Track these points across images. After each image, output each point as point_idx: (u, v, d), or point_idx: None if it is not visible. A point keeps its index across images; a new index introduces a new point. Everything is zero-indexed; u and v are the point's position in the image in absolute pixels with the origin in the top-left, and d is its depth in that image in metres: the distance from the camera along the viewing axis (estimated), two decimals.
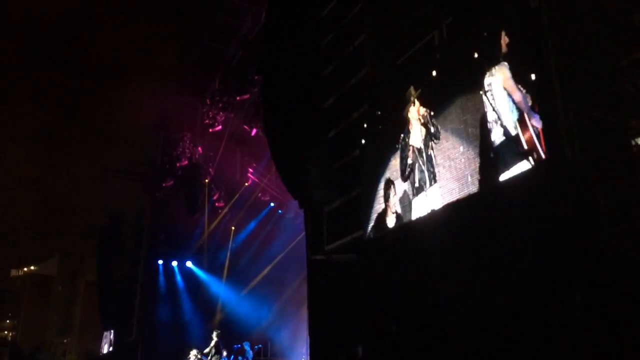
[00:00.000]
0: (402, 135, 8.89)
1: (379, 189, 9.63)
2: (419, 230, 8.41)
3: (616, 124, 6.19)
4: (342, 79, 11.28)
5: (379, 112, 9.91)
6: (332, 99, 11.62)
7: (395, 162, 9.30)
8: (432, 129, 8.21)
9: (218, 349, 14.98)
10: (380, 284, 9.26)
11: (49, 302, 64.17)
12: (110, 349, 26.51)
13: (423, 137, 8.41)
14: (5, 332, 64.60)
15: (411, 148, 8.64)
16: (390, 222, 9.17)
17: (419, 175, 8.46)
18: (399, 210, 8.97)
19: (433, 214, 8.07)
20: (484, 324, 6.68)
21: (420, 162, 8.42)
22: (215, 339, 15.15)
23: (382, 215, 9.45)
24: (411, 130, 8.69)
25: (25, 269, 67.98)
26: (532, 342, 5.97)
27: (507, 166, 6.61)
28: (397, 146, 9.12)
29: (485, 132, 7.04)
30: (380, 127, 9.78)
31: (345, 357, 10.09)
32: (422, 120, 8.46)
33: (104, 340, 28.10)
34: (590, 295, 5.69)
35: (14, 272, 68.72)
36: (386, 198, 9.41)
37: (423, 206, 8.26)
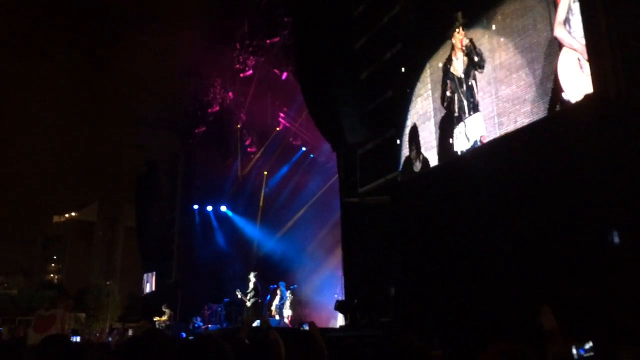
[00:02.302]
0: (444, 63, 8.63)
1: (413, 129, 9.53)
2: (454, 170, 8.35)
3: None
4: (374, 18, 10.99)
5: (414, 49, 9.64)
6: (363, 40, 11.37)
7: (427, 102, 9.15)
8: (476, 58, 7.94)
9: (256, 289, 15.39)
10: (413, 225, 9.31)
11: (91, 246, 66.93)
12: (152, 290, 27.63)
13: (465, 66, 8.17)
14: (51, 275, 67.90)
15: (453, 76, 8.38)
16: (421, 164, 9.11)
17: (458, 104, 8.29)
18: (429, 153, 8.89)
19: (470, 152, 7.98)
20: (520, 264, 6.68)
21: (460, 92, 8.22)
22: (253, 279, 15.55)
23: (414, 157, 9.39)
24: (454, 59, 8.40)
25: (67, 215, 70.57)
26: (569, 282, 5.96)
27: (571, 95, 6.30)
28: (435, 77, 8.93)
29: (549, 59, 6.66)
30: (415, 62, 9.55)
31: (379, 297, 10.30)
32: (465, 50, 8.19)
33: (145, 282, 29.28)
34: (629, 235, 5.61)
35: (56, 219, 71.47)
36: (417, 141, 9.32)
37: (462, 136, 8.14)
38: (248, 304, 15.38)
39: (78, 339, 5.97)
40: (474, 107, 7.95)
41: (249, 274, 16.18)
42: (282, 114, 20.25)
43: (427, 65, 9.24)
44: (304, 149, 20.14)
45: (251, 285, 15.38)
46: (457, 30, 8.36)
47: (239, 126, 21.75)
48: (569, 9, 6.48)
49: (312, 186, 19.50)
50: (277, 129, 20.65)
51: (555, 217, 6.28)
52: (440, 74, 8.77)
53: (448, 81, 8.54)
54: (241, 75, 19.60)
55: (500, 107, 7.45)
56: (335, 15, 11.54)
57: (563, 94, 6.45)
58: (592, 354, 2.54)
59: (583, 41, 6.23)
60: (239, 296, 15.58)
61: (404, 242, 9.57)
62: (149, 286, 28.25)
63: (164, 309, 18.58)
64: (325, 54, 11.03)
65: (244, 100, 21.29)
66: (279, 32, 16.49)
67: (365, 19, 11.34)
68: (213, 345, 2.36)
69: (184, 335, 13.54)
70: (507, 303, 6.58)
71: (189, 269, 22.76)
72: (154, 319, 18.32)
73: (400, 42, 10.13)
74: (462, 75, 8.20)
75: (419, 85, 9.56)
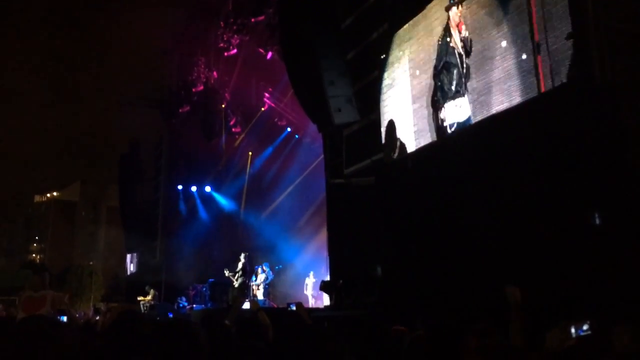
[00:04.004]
0: (440, 39, 8.53)
1: (399, 111, 9.53)
2: (439, 151, 8.38)
3: None
4: None
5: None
6: (350, 19, 11.27)
7: (418, 81, 9.13)
8: (467, 36, 7.86)
9: (245, 270, 15.39)
10: (398, 206, 9.37)
11: (74, 226, 66.34)
12: (135, 270, 27.59)
13: (459, 44, 8.08)
14: (34, 255, 67.34)
15: (449, 52, 8.27)
16: (410, 145, 9.13)
17: (448, 83, 8.21)
18: (416, 135, 8.91)
19: (456, 133, 8.00)
20: (507, 244, 6.76)
21: (453, 70, 8.13)
22: (243, 260, 15.53)
23: (401, 138, 9.40)
24: (452, 34, 8.27)
25: (49, 195, 69.75)
26: (552, 262, 6.05)
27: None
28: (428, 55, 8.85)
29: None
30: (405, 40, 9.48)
31: (363, 277, 10.39)
32: (457, 28, 8.10)
33: (129, 262, 29.20)
34: (610, 216, 5.70)
35: (37, 198, 70.62)
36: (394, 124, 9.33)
37: (453, 113, 8.11)
38: (235, 284, 15.42)
39: (65, 318, 5.92)
40: (463, 87, 7.91)
41: (238, 255, 16.14)
42: (267, 94, 20.11)
43: (409, 45, 9.20)
44: (289, 129, 20.07)
45: (240, 265, 15.38)
46: (452, 7, 8.24)
47: (223, 106, 21.56)
48: None
49: (298, 167, 19.48)
50: (262, 109, 20.53)
51: (541, 198, 6.35)
52: (430, 52, 8.71)
53: (442, 58, 8.40)
54: (225, 54, 19.39)
55: (487, 87, 7.45)
56: None
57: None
58: (590, 333, 2.58)
59: None
60: (227, 275, 15.59)
61: (390, 223, 9.63)
62: (133, 266, 28.18)
63: (147, 290, 18.56)
64: (311, 34, 10.91)
65: (228, 80, 21.09)
66: (264, 11, 16.29)
67: None
68: (187, 330, 2.35)
69: (171, 315, 13.56)
70: (493, 284, 6.67)
71: (173, 249, 22.73)
72: (139, 299, 18.31)
73: (387, 22, 10.06)
74: (459, 52, 8.07)
75: (396, 65, 9.56)
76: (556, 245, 6.05)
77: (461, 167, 7.75)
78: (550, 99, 6.41)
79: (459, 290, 7.24)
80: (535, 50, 6.59)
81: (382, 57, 10.00)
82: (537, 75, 6.58)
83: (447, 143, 8.21)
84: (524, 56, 6.75)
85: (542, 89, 6.51)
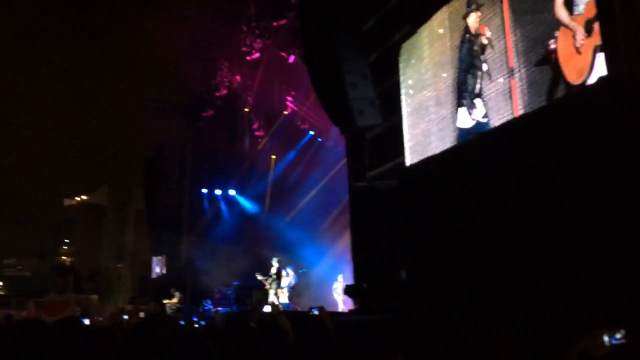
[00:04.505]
0: (461, 41, 8.42)
1: (420, 113, 9.44)
2: (463, 154, 8.26)
3: None
4: None
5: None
6: (372, 21, 11.22)
7: (437, 80, 9.04)
8: (488, 40, 7.76)
9: (278, 274, 15.26)
10: (422, 209, 9.26)
11: (102, 229, 67.46)
12: (161, 273, 27.89)
13: (481, 45, 7.97)
14: (64, 258, 68.66)
15: (475, 54, 8.10)
16: (432, 148, 9.03)
17: (472, 84, 8.12)
18: (438, 137, 8.81)
19: (479, 137, 7.89)
20: (531, 249, 6.61)
21: (476, 70, 8.00)
22: (276, 264, 15.45)
23: (423, 140, 9.31)
24: (472, 37, 8.14)
25: (78, 198, 71.09)
26: (582, 268, 5.89)
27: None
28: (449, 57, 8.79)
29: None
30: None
31: (388, 281, 10.30)
32: (478, 32, 8.00)
33: (155, 265, 29.54)
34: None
35: (67, 202, 72.03)
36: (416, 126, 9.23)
37: (475, 116, 8.02)
38: (269, 287, 15.26)
39: (87, 321, 5.99)
40: (485, 90, 7.82)
41: (262, 258, 16.08)
42: (289, 98, 20.15)
43: (430, 46, 9.12)
44: (311, 132, 20.08)
45: (274, 270, 15.27)
46: (472, 11, 8.17)
47: (246, 110, 21.69)
48: None
49: (321, 170, 19.47)
50: (285, 112, 20.58)
51: (570, 202, 6.18)
52: (450, 55, 8.63)
53: (466, 61, 8.30)
54: (248, 58, 19.50)
55: (506, 91, 7.34)
56: None
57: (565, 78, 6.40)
58: (624, 341, 2.47)
59: (582, 23, 6.12)
60: (259, 279, 15.54)
61: (413, 226, 9.53)
62: (159, 269, 28.51)
63: (173, 292, 18.74)
64: (332, 36, 10.89)
65: (251, 84, 21.21)
66: (286, 14, 16.33)
67: (373, 0, 11.18)
68: (197, 346, 2.35)
69: (195, 318, 13.67)
70: (520, 288, 6.54)
71: (198, 253, 22.91)
72: (165, 302, 18.49)
73: (409, 24, 9.99)
74: (481, 56, 7.96)
75: (418, 67, 9.50)
76: (586, 250, 5.89)
77: (486, 170, 7.62)
78: (577, 99, 6.26)
79: (485, 294, 7.11)
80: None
81: (403, 58, 9.93)
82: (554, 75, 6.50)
83: (471, 146, 8.09)
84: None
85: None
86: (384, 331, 2.82)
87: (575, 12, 6.28)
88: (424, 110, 9.35)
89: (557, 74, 6.53)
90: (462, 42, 8.32)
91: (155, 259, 29.36)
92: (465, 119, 8.16)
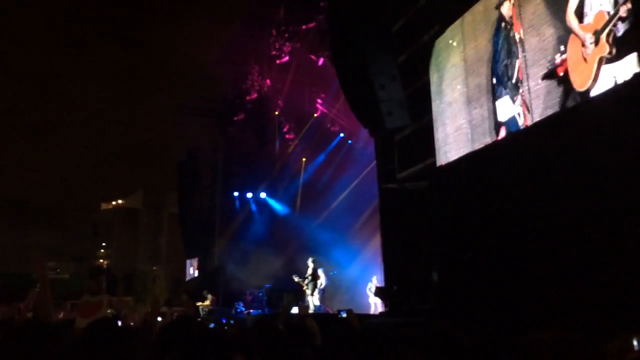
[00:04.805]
0: (495, 33, 8.29)
1: (450, 112, 9.33)
2: (494, 154, 8.12)
3: None
4: None
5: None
6: (401, 22, 11.16)
7: (471, 80, 8.91)
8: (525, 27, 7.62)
9: (315, 275, 15.24)
10: (453, 210, 9.14)
11: (137, 233, 68.77)
12: (195, 275, 28.23)
13: (518, 36, 7.81)
14: (101, 261, 70.25)
15: (512, 42, 7.90)
16: (463, 148, 8.91)
17: (509, 76, 7.94)
18: (471, 135, 8.68)
19: (512, 134, 7.74)
20: (563, 250, 6.45)
21: (516, 62, 7.80)
22: (311, 265, 15.41)
23: (454, 140, 9.19)
24: (508, 27, 8.00)
25: (114, 202, 72.70)
26: (614, 270, 5.72)
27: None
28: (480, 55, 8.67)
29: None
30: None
31: (419, 283, 10.20)
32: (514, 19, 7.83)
33: (189, 268, 29.93)
34: None
35: (103, 206, 73.75)
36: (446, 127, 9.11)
37: (510, 112, 7.84)
38: (306, 289, 15.25)
39: (119, 323, 6.05)
40: (522, 82, 7.60)
41: (294, 260, 16.06)
42: (319, 100, 20.20)
43: (460, 45, 9.00)
44: (341, 135, 20.07)
45: (310, 271, 15.25)
46: (504, 2, 8.04)
47: (276, 113, 21.82)
48: None
49: (351, 172, 19.45)
50: (315, 115, 20.63)
51: (605, 203, 6.00)
52: (483, 51, 8.50)
53: (501, 53, 8.13)
54: (278, 62, 19.60)
55: (537, 90, 7.18)
56: None
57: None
58: None
59: (591, 33, 6.18)
60: (296, 281, 15.57)
61: (445, 228, 9.42)
62: (192, 271, 28.88)
63: (205, 295, 18.93)
64: (361, 38, 10.86)
65: (281, 87, 21.32)
66: (315, 17, 16.36)
67: (402, 1, 11.11)
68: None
69: (224, 320, 13.77)
70: (553, 290, 6.38)
71: (230, 255, 23.11)
72: (197, 304, 18.70)
73: (438, 24, 9.90)
74: (518, 46, 7.72)
75: (448, 67, 9.38)
76: (619, 252, 5.71)
77: (518, 170, 7.47)
78: (616, 94, 6.06)
79: (517, 296, 6.96)
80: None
81: (435, 56, 9.85)
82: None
83: (503, 144, 7.94)
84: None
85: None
86: (409, 333, 2.79)
87: (585, 22, 6.38)
88: (455, 110, 9.24)
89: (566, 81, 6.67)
90: (498, 31, 8.16)
91: (188, 262, 29.75)
92: (508, 110, 7.90)
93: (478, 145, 8.54)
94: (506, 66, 7.95)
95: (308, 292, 15.04)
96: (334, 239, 18.62)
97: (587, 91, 6.32)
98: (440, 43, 9.76)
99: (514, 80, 7.78)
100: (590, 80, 6.24)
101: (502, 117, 8.03)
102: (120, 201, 72.38)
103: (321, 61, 17.35)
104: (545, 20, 7.08)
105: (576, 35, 6.49)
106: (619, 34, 5.87)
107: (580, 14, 6.48)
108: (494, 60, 8.28)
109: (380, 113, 10.31)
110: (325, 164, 21.03)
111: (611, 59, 5.99)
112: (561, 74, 6.77)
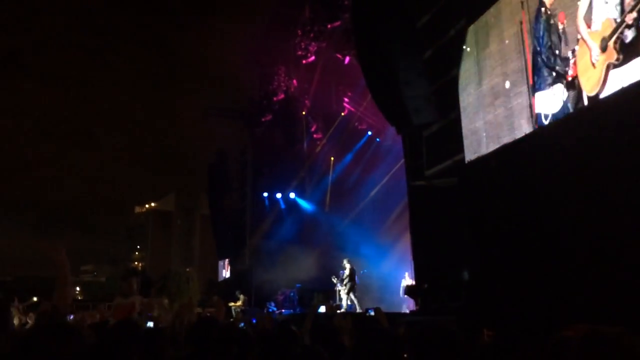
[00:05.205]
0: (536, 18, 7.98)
1: (480, 105, 9.18)
2: (524, 148, 7.95)
3: None
4: None
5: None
6: (426, 18, 11.02)
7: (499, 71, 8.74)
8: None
9: (352, 275, 15.26)
10: (483, 206, 8.99)
11: (171, 235, 69.88)
12: (227, 276, 28.52)
13: (545, 26, 7.58)
14: (136, 263, 71.66)
15: (554, 29, 7.59)
16: (492, 143, 8.75)
17: (550, 65, 7.61)
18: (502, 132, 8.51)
19: (539, 131, 7.56)
20: (601, 248, 6.27)
21: (558, 50, 7.43)
22: (348, 265, 15.30)
23: (484, 135, 9.03)
24: (547, 12, 7.67)
25: (147, 205, 74.03)
26: None
27: None
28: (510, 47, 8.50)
29: None
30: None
31: (449, 281, 10.07)
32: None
33: (221, 268, 30.25)
34: None
35: (137, 209, 75.18)
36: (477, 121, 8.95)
37: (549, 104, 7.57)
38: (343, 290, 15.15)
39: (151, 324, 6.12)
40: (564, 71, 7.25)
41: (325, 259, 15.98)
42: (346, 99, 20.17)
43: (490, 36, 8.84)
44: (369, 133, 20.00)
45: (347, 272, 15.21)
46: None
47: (304, 113, 21.87)
48: (591, 4, 6.64)
49: (380, 170, 19.36)
50: (342, 113, 20.61)
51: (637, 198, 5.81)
52: (514, 42, 8.29)
53: (542, 40, 7.77)
54: (304, 61, 19.64)
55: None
56: None
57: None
58: None
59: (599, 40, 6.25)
60: (335, 282, 15.55)
61: (475, 225, 9.27)
62: (225, 272, 29.18)
63: (238, 295, 19.08)
64: (386, 35, 10.77)
65: (308, 87, 21.37)
66: (340, 16, 16.35)
67: None
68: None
69: (254, 321, 13.84)
70: (586, 287, 6.22)
71: (261, 255, 23.25)
72: (230, 305, 18.87)
73: (464, 18, 9.74)
74: (560, 34, 7.36)
75: (477, 60, 9.20)
76: None
77: (548, 165, 7.30)
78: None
79: (549, 294, 6.80)
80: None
81: (462, 50, 9.68)
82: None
83: (533, 140, 7.76)
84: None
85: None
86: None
87: (593, 28, 6.58)
88: (485, 103, 9.07)
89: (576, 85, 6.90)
90: (538, 18, 7.84)
91: (221, 263, 30.08)
92: (549, 102, 7.59)
93: (508, 140, 8.36)
94: (548, 56, 7.62)
95: (343, 291, 14.99)
96: (363, 237, 18.54)
97: (597, 95, 6.52)
98: (471, 34, 9.54)
99: (556, 71, 7.44)
100: (600, 85, 6.47)
101: (542, 108, 7.74)
102: (153, 204, 73.66)
103: (347, 60, 17.32)
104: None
105: (584, 41, 6.70)
106: (627, 40, 6.04)
107: (588, 20, 6.67)
108: (534, 49, 7.91)
109: (406, 110, 10.22)
110: (354, 162, 20.98)
111: (618, 65, 6.17)
112: (570, 78, 7.01)
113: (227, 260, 28.67)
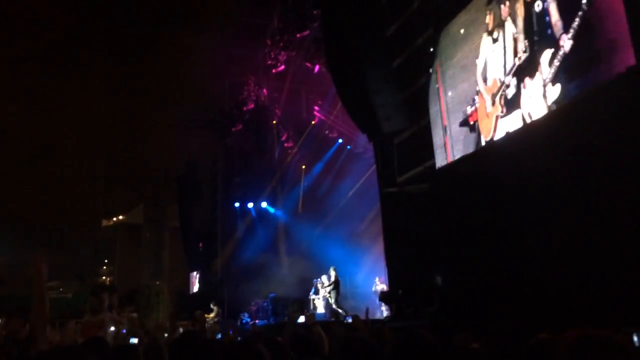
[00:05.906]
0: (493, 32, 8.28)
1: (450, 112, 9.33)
2: (493, 153, 8.11)
3: None
4: (404, 3, 10.78)
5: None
6: (394, 26, 11.18)
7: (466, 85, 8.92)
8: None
9: (337, 284, 15.20)
10: (455, 211, 9.12)
11: (139, 248, 68.54)
12: (199, 288, 28.10)
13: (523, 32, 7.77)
14: (103, 278, 70.04)
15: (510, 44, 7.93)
16: (462, 148, 8.90)
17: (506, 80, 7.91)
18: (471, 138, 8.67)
19: (508, 137, 7.73)
20: (573, 250, 6.41)
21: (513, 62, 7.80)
22: (333, 273, 15.20)
23: (453, 141, 9.18)
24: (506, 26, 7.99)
25: (115, 218, 72.56)
26: (624, 266, 5.68)
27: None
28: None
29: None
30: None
31: (423, 287, 10.14)
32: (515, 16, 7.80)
33: (192, 281, 29.81)
34: None
35: (105, 222, 73.58)
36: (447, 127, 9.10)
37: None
38: (328, 296, 15.11)
39: (135, 340, 5.79)
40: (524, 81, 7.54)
41: (328, 269, 15.80)
42: (316, 107, 20.24)
43: (458, 46, 9.01)
44: (340, 141, 20.07)
45: (332, 279, 15.14)
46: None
47: (274, 122, 21.84)
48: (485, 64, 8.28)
49: (351, 178, 19.43)
50: (313, 122, 20.66)
51: (608, 200, 5.97)
52: (487, 46, 8.46)
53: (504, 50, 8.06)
54: (273, 71, 19.65)
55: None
56: (364, 3, 11.37)
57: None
58: None
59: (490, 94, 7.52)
60: (318, 286, 15.45)
61: (447, 230, 9.39)
62: (196, 284, 28.77)
63: (212, 307, 18.83)
64: (355, 43, 10.88)
65: (278, 96, 21.37)
66: (309, 25, 16.43)
67: (395, 5, 11.14)
68: None
69: (231, 331, 13.69)
70: (559, 291, 6.35)
71: (233, 266, 23.01)
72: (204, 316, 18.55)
73: (432, 27, 9.91)
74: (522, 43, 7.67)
75: (445, 68, 9.37)
76: (629, 250, 5.67)
77: (522, 167, 7.46)
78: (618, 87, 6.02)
79: (521, 297, 6.92)
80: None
81: (429, 61, 9.85)
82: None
83: (503, 144, 7.93)
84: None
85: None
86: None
87: (488, 84, 8.23)
88: (453, 110, 9.23)
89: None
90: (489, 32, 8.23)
91: (192, 275, 29.65)
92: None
93: (475, 146, 8.53)
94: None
95: (332, 300, 14.95)
96: (337, 245, 18.54)
97: (492, 139, 8.11)
98: (440, 42, 9.66)
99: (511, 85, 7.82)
100: (492, 132, 8.12)
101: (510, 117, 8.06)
102: (121, 217, 72.22)
103: (317, 68, 17.40)
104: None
105: (481, 94, 8.39)
106: (509, 97, 7.68)
107: (484, 77, 8.35)
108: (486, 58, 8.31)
109: (377, 118, 10.32)
110: (325, 170, 21.01)
111: (503, 116, 7.84)
112: (472, 122, 8.59)
113: (198, 272, 28.28)
